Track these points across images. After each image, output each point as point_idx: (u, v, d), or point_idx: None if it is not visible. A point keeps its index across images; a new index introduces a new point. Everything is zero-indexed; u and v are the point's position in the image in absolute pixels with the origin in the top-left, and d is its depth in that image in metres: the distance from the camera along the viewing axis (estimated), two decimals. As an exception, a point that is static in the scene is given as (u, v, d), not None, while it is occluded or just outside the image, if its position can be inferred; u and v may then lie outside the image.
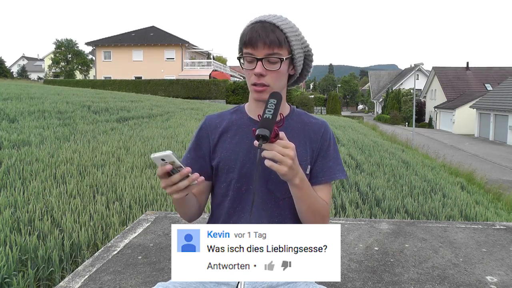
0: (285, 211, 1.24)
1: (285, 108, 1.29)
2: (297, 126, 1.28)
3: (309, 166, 1.25)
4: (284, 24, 1.17)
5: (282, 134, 1.03)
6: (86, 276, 2.27)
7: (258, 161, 1.00)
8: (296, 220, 1.25)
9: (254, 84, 1.17)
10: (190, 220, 1.29)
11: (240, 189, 1.24)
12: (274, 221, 1.23)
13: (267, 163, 1.00)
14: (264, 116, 1.01)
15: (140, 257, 2.54)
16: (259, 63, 1.15)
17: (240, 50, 1.21)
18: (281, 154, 1.00)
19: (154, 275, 2.31)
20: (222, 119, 1.31)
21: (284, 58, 1.16)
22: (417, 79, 40.22)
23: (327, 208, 1.22)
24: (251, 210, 1.09)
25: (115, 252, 2.61)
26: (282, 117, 1.08)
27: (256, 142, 0.98)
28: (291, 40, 1.17)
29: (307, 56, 1.26)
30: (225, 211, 1.26)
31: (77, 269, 2.38)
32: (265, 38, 1.13)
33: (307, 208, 1.16)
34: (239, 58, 1.21)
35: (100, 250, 2.66)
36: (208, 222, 1.34)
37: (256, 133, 0.98)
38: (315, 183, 1.24)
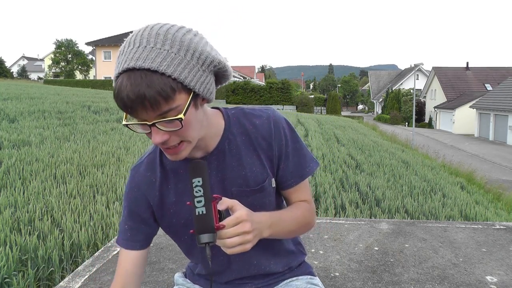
0: None
1: (217, 125, 0.99)
2: (240, 139, 1.00)
3: (273, 179, 1.04)
4: (164, 59, 0.77)
5: (224, 204, 0.83)
6: (86, 276, 2.27)
7: (210, 268, 0.89)
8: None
9: (164, 147, 0.87)
10: None
11: None
12: (262, 245, 1.03)
13: (227, 251, 0.83)
14: (197, 213, 0.79)
15: (140, 257, 2.54)
16: (154, 129, 0.81)
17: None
18: (237, 235, 0.81)
19: (154, 275, 2.31)
20: (153, 169, 1.03)
21: (183, 113, 0.80)
22: (417, 79, 40.25)
23: (307, 210, 1.08)
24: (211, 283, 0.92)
25: (115, 252, 2.61)
26: (217, 198, 0.84)
27: (206, 250, 0.81)
28: (184, 79, 0.79)
29: (219, 69, 0.89)
30: (201, 259, 1.11)
31: (77, 269, 2.38)
32: (142, 100, 0.76)
33: (287, 234, 1.04)
34: (126, 125, 0.84)
35: (100, 250, 2.66)
36: (190, 263, 1.21)
37: (200, 242, 0.79)
38: (286, 188, 1.06)
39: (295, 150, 1.04)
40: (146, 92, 0.76)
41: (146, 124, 0.80)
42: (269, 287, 1.16)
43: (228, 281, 1.13)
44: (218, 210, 0.82)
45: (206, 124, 0.93)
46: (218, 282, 1.15)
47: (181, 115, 0.80)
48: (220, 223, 0.81)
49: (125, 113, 0.84)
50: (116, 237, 2.91)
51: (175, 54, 0.79)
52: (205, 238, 0.78)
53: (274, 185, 1.05)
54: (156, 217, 1.05)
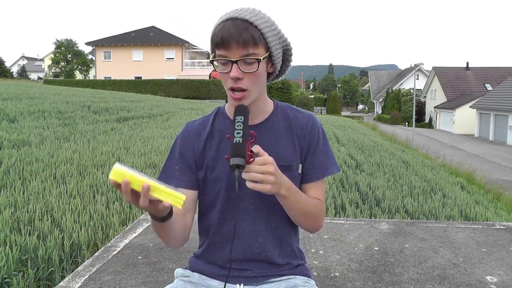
0: (281, 215, 1.17)
1: (267, 106, 1.21)
2: (282, 124, 1.20)
3: (300, 165, 1.19)
4: (258, 19, 1.06)
5: (257, 148, 0.97)
6: (86, 276, 2.27)
7: (236, 191, 0.96)
8: (292, 223, 1.21)
9: (232, 89, 1.07)
10: (176, 246, 1.17)
11: (229, 197, 1.17)
12: (271, 226, 1.18)
13: (249, 185, 0.95)
14: (234, 141, 0.94)
15: (140, 257, 2.54)
16: (235, 65, 1.04)
17: (213, 51, 1.10)
18: (261, 172, 0.95)
19: (154, 275, 2.31)
20: (205, 126, 1.22)
21: (262, 58, 1.06)
22: (417, 79, 40.22)
23: (320, 207, 1.18)
24: (232, 239, 1.05)
25: (115, 252, 2.61)
26: (253, 134, 0.99)
27: (235, 172, 0.93)
28: (267, 37, 1.07)
29: (286, 51, 1.16)
30: (216, 221, 1.19)
31: (77, 269, 2.38)
32: (238, 37, 1.02)
33: (298, 213, 1.12)
34: (212, 62, 1.09)
35: (100, 250, 2.66)
36: (199, 233, 1.27)
37: (230, 164, 0.92)
38: (306, 181, 1.19)
39: (323, 151, 1.21)
40: (243, 32, 1.03)
41: (230, 60, 1.04)
42: (267, 278, 1.19)
43: (229, 260, 1.17)
44: (251, 150, 0.96)
45: (263, 95, 1.17)
46: (218, 264, 1.20)
47: (260, 57, 1.05)
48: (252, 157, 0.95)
49: (213, 53, 1.09)
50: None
51: (266, 21, 1.08)
52: (236, 160, 0.92)
53: (300, 171, 1.19)
54: (197, 166, 1.21)
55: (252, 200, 1.16)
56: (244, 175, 0.95)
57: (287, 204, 1.09)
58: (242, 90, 1.07)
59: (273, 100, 1.24)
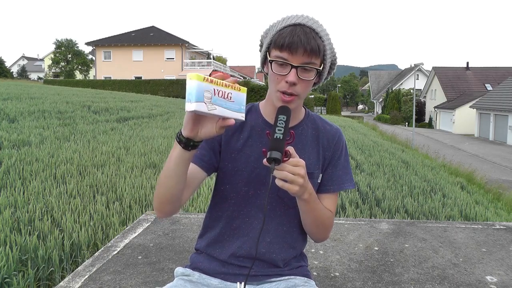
0: (294, 219, 1.20)
1: (301, 113, 1.23)
2: (311, 132, 1.22)
3: (320, 175, 1.21)
4: (322, 31, 1.09)
5: (291, 150, 0.99)
6: (86, 276, 2.27)
7: (270, 184, 0.98)
8: (303, 230, 1.23)
9: (283, 92, 1.08)
10: (166, 209, 1.10)
11: (248, 193, 1.19)
12: (283, 229, 1.20)
13: (278, 183, 0.97)
14: (275, 136, 0.96)
15: (140, 257, 2.54)
16: (294, 70, 1.05)
17: (267, 50, 1.11)
18: (292, 173, 0.96)
19: (154, 275, 2.31)
20: None
21: (320, 69, 1.08)
22: (417, 79, 40.23)
23: (331, 218, 1.20)
24: (260, 230, 1.03)
25: (115, 252, 2.61)
26: (292, 134, 1.01)
27: (265, 161, 0.96)
28: (326, 49, 1.09)
29: (331, 65, 1.17)
30: (228, 213, 1.20)
31: (77, 269, 2.38)
32: (306, 45, 1.04)
33: (312, 220, 1.15)
34: (271, 61, 1.08)
35: (100, 250, 2.66)
36: (205, 223, 1.27)
37: (268, 157, 0.95)
38: (322, 192, 1.22)
39: (343, 166, 1.24)
40: (311, 41, 1.05)
41: (291, 64, 1.05)
42: (268, 278, 1.20)
43: (232, 254, 1.19)
44: (286, 150, 0.99)
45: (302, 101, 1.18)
46: (220, 259, 1.20)
47: (319, 68, 1.08)
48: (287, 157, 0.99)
49: (266, 51, 1.10)
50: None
51: (326, 34, 1.10)
52: (274, 154, 0.95)
53: (319, 180, 1.22)
54: (221, 152, 1.21)
55: (269, 200, 1.18)
56: (276, 173, 0.96)
57: (306, 209, 1.11)
58: (293, 95, 1.08)
59: (305, 108, 1.25)
